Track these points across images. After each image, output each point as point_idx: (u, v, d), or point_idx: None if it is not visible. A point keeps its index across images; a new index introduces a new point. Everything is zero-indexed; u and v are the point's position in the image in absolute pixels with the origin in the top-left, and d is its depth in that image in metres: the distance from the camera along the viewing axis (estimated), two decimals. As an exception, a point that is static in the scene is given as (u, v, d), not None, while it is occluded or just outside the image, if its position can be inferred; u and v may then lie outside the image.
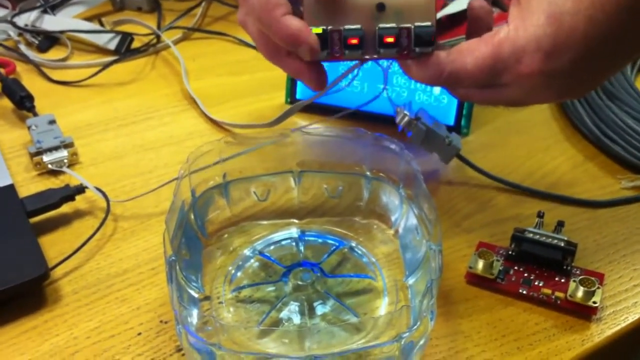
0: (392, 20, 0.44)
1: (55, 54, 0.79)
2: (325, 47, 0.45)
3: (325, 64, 0.47)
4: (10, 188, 0.57)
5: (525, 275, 0.51)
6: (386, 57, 0.46)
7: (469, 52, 0.43)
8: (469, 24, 0.47)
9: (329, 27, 0.44)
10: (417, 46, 0.44)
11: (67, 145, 0.62)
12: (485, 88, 0.44)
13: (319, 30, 0.44)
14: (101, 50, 0.79)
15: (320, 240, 0.54)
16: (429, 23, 0.44)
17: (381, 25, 0.44)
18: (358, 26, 0.44)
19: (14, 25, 0.79)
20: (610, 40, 0.39)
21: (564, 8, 0.39)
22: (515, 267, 0.52)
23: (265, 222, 0.55)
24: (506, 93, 0.43)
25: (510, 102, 0.45)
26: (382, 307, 0.49)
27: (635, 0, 0.38)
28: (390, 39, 0.45)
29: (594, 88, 0.63)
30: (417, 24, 0.44)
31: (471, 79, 0.43)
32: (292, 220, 0.56)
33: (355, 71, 0.52)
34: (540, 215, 0.53)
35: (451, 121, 0.64)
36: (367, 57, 0.46)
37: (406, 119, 0.56)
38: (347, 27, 0.44)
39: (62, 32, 0.79)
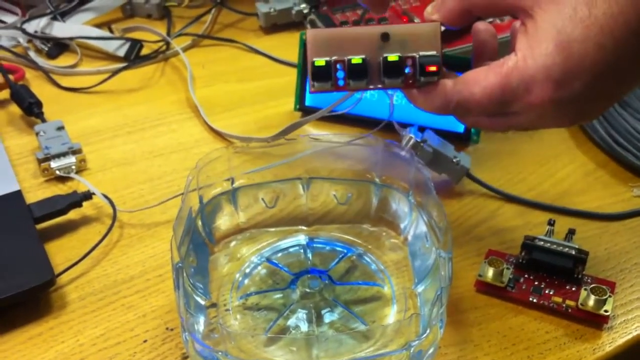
0: (397, 49, 0.44)
1: (64, 60, 0.79)
2: (329, 78, 0.45)
3: None
4: (18, 194, 0.57)
5: (536, 283, 0.51)
6: (391, 86, 0.45)
7: (477, 82, 0.42)
8: (474, 47, 0.47)
9: (334, 58, 0.44)
10: (422, 75, 0.44)
11: (75, 151, 0.62)
12: (494, 116, 0.44)
13: (322, 62, 0.44)
14: (110, 57, 0.79)
15: (328, 248, 0.54)
16: (434, 52, 0.44)
17: (385, 55, 0.44)
18: (362, 56, 0.44)
19: (24, 31, 0.79)
20: (621, 65, 0.39)
21: (572, 36, 0.38)
22: (526, 275, 0.51)
23: (273, 229, 0.55)
24: (516, 120, 0.43)
25: (521, 129, 0.45)
26: (391, 315, 0.49)
27: None
28: (394, 68, 0.44)
29: (607, 109, 0.63)
30: (422, 53, 0.44)
31: (480, 109, 0.43)
32: (300, 227, 0.55)
33: (360, 94, 0.52)
34: (550, 223, 0.53)
35: (461, 129, 0.63)
36: (372, 87, 0.46)
37: (412, 141, 0.56)
38: (351, 57, 0.44)
39: (71, 38, 0.79)
